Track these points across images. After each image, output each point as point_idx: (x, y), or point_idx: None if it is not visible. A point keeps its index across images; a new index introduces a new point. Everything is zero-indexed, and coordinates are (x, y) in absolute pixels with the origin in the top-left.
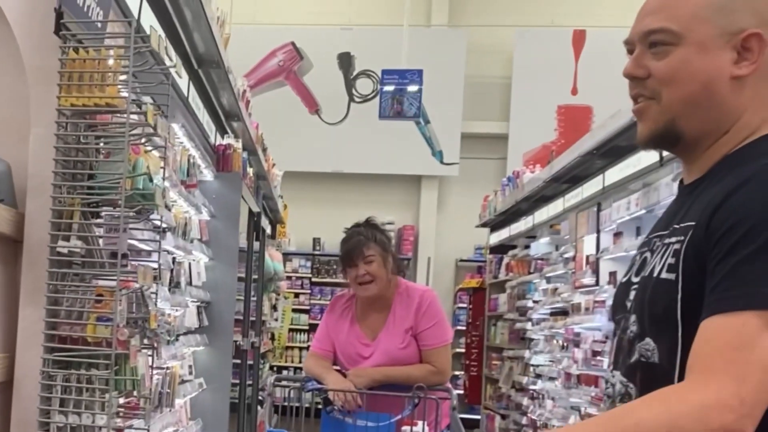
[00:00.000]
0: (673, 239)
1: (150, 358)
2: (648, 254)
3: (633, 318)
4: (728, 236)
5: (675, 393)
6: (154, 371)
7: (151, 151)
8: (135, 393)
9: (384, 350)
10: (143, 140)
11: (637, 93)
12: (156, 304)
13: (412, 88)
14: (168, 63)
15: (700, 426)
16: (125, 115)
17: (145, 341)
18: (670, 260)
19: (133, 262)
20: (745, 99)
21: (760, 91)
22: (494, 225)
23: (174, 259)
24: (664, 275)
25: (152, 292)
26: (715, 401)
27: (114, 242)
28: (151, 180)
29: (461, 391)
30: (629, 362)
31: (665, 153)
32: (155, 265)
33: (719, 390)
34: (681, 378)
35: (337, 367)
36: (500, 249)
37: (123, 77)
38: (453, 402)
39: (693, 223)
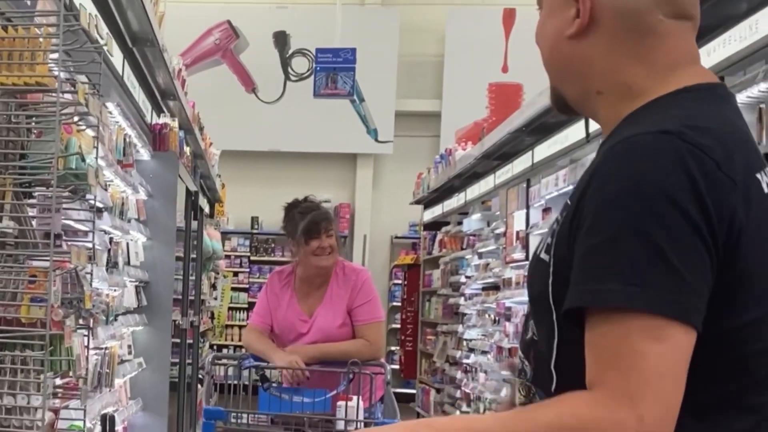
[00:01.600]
0: (559, 216)
1: (85, 339)
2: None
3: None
4: (584, 219)
5: (570, 411)
6: (92, 351)
7: (83, 130)
8: (71, 373)
9: (320, 327)
10: (76, 119)
11: None
12: (91, 284)
13: (346, 66)
14: (100, 41)
15: None
16: (56, 94)
17: (81, 321)
18: (548, 240)
19: (68, 243)
20: (595, 57)
21: (621, 45)
22: (428, 202)
23: (111, 239)
24: (542, 255)
25: (87, 273)
26: (611, 423)
27: (47, 222)
28: (83, 160)
29: (397, 366)
30: (525, 339)
31: (591, 129)
32: (90, 245)
33: (615, 409)
34: (558, 365)
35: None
36: (434, 226)
37: (54, 56)
38: (387, 376)
39: (570, 202)
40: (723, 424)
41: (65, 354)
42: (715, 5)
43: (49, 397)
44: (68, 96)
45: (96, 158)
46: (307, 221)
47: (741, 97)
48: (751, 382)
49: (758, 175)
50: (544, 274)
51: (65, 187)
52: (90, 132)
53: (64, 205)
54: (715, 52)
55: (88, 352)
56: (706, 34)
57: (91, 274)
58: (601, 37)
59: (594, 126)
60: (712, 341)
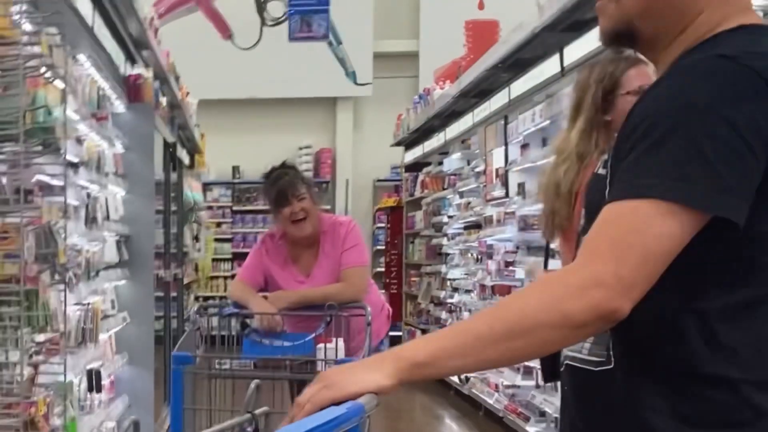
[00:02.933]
0: (617, 139)
1: (62, 294)
2: None
3: (583, 212)
4: (634, 131)
5: (557, 276)
6: (75, 307)
7: (50, 83)
8: (48, 328)
9: (319, 285)
10: (44, 72)
11: None
12: (65, 239)
13: (320, 8)
14: None
15: (578, 304)
16: (19, 47)
17: (56, 276)
18: (606, 156)
19: (41, 198)
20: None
21: None
22: (408, 143)
23: (89, 193)
24: (600, 171)
25: (60, 228)
26: (591, 280)
27: (17, 178)
28: (50, 113)
29: None
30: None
31: (566, 63)
32: (63, 200)
33: (597, 269)
34: None
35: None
36: (415, 167)
37: (15, 8)
38: (368, 318)
39: (627, 121)
40: (758, 325)
41: (42, 309)
42: None
43: (27, 352)
44: (34, 48)
45: (64, 111)
46: (275, 191)
47: None
48: None
49: None
50: (602, 186)
51: (35, 141)
52: (59, 84)
53: (36, 161)
54: None
55: (65, 306)
56: None
57: (65, 229)
58: None
59: (569, 59)
60: (753, 244)
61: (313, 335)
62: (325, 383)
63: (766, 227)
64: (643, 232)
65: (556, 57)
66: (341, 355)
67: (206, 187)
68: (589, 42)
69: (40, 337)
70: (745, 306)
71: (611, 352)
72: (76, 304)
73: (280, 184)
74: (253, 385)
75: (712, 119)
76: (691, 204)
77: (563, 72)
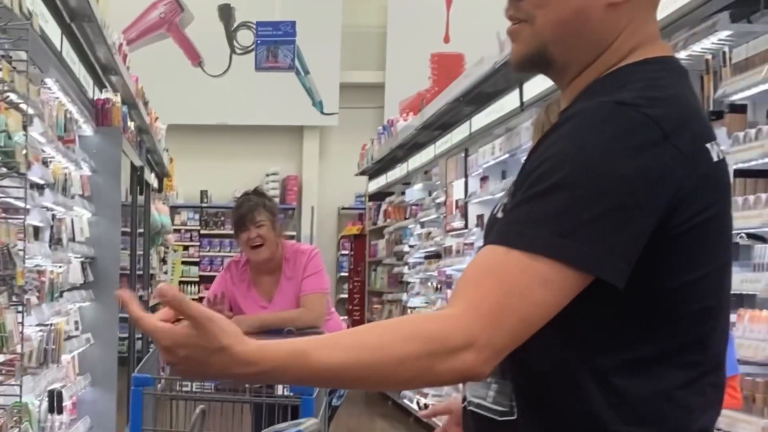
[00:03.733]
0: (517, 179)
1: (19, 315)
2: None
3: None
4: (528, 176)
5: (436, 326)
6: (37, 328)
7: (13, 107)
8: (4, 350)
9: (280, 310)
10: (5, 96)
11: (511, 14)
12: (24, 261)
13: (286, 39)
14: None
15: (448, 365)
16: None
17: (14, 298)
18: (505, 200)
19: (3, 220)
20: (619, 27)
21: (635, 18)
22: (372, 173)
23: (54, 215)
24: (498, 214)
25: (19, 250)
26: (466, 341)
27: None
28: (10, 137)
29: None
30: None
31: (525, 98)
32: (28, 222)
33: (474, 331)
34: None
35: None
36: (379, 196)
37: None
38: None
39: (524, 166)
40: (664, 379)
41: None
42: None
43: None
44: None
45: (26, 135)
46: (235, 216)
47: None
48: (690, 340)
49: (708, 145)
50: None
51: None
52: (22, 108)
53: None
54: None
55: (22, 327)
56: None
57: (24, 251)
58: (632, 8)
59: (528, 94)
60: (652, 298)
61: None
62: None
63: (667, 283)
64: (525, 297)
65: (516, 92)
66: None
67: (174, 210)
68: (548, 79)
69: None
70: (644, 362)
71: (514, 403)
72: (39, 324)
73: (241, 210)
74: (198, 410)
75: (604, 172)
76: (574, 263)
77: (522, 107)
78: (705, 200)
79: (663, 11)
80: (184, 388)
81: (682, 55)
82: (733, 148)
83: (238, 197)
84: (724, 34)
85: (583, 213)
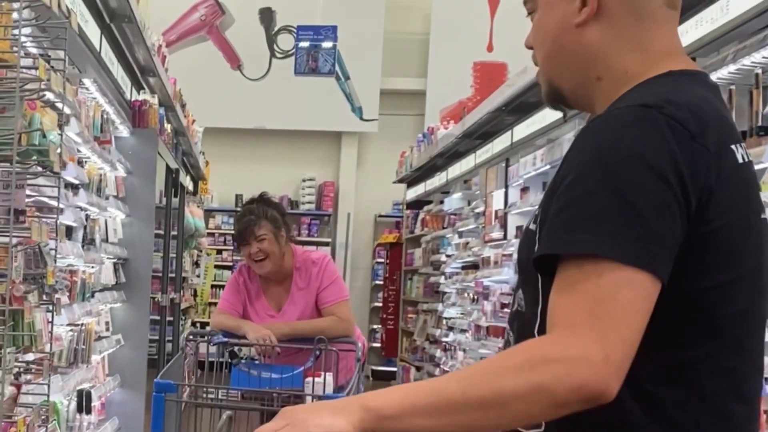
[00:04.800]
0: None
1: (49, 314)
2: None
3: (515, 268)
4: (562, 183)
5: (538, 347)
6: (67, 328)
7: (47, 106)
8: (33, 348)
9: (289, 321)
10: (40, 95)
11: (534, 63)
12: (55, 261)
13: (327, 44)
14: (65, 17)
15: (563, 382)
16: (16, 70)
17: (44, 297)
18: (537, 211)
19: (33, 219)
20: (603, 42)
21: (620, 31)
22: (411, 181)
23: (87, 215)
24: (531, 226)
25: (51, 249)
26: (577, 357)
27: (8, 199)
28: (44, 136)
29: (378, 344)
30: (512, 311)
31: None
32: (60, 221)
33: (583, 345)
34: (541, 328)
35: None
36: (417, 204)
37: (16, 31)
38: (358, 354)
39: (555, 175)
40: (696, 385)
41: (27, 329)
42: None
43: (11, 371)
44: (34, 72)
45: (61, 134)
46: (237, 230)
47: (712, 78)
48: (722, 344)
49: (733, 147)
50: (531, 242)
51: (29, 163)
52: (58, 107)
53: (33, 181)
54: (687, 33)
55: (51, 327)
56: (679, 15)
57: (56, 250)
58: (606, 23)
59: None
60: (684, 301)
61: (303, 368)
62: (288, 421)
63: (701, 284)
64: (613, 299)
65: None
66: (329, 390)
67: (208, 213)
68: None
69: (29, 357)
70: (679, 367)
71: None
72: (69, 324)
73: (242, 224)
74: (225, 416)
75: (639, 169)
76: (637, 264)
77: (565, 117)
78: (732, 199)
79: (711, 24)
80: (210, 395)
81: (731, 68)
82: None
83: (243, 206)
84: None
85: (629, 213)
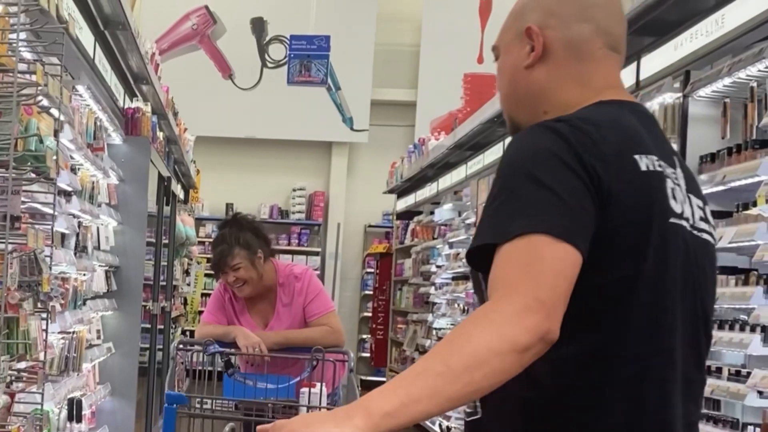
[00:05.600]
0: None
1: (44, 322)
2: None
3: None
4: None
5: (488, 309)
6: (59, 336)
7: (44, 111)
8: (27, 356)
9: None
10: (38, 100)
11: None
12: (50, 268)
13: (320, 54)
14: (63, 22)
15: (518, 328)
16: (13, 75)
17: (39, 305)
18: None
19: (28, 226)
20: (549, 80)
21: (563, 70)
22: (401, 191)
23: (80, 223)
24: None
25: (46, 256)
26: (520, 306)
27: (5, 204)
28: (41, 141)
29: (367, 354)
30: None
31: None
32: (50, 228)
33: (520, 298)
34: None
35: None
36: (407, 215)
37: (13, 35)
38: (350, 364)
39: None
40: (610, 370)
41: (22, 337)
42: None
43: (6, 379)
44: (32, 77)
45: (57, 140)
46: (213, 257)
47: (706, 91)
48: (632, 333)
49: (636, 156)
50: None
51: (25, 169)
52: (54, 113)
53: (26, 188)
54: (682, 46)
55: (46, 335)
56: (674, 28)
57: (51, 258)
58: (551, 64)
59: None
60: (594, 291)
61: (299, 378)
62: None
63: (603, 276)
64: (541, 260)
65: None
66: (324, 401)
67: (199, 222)
68: None
69: (21, 365)
70: (593, 353)
71: (478, 403)
72: (61, 332)
73: (216, 254)
74: (228, 428)
75: (550, 160)
76: (554, 234)
77: None
78: (632, 202)
79: (707, 38)
80: (204, 405)
81: (726, 81)
82: None
83: (217, 231)
84: None
85: (548, 195)
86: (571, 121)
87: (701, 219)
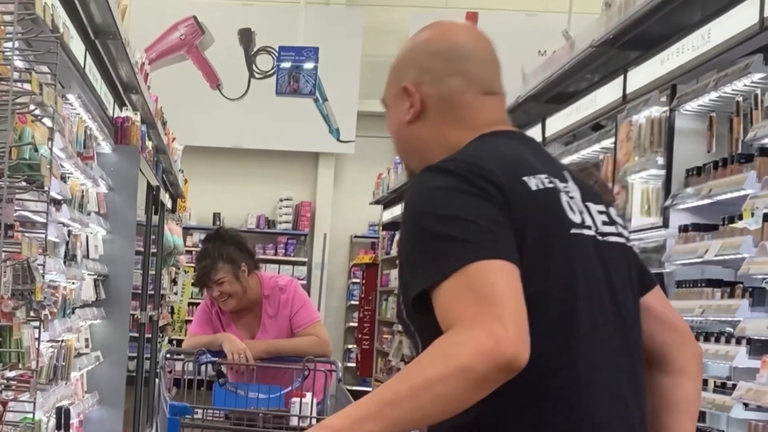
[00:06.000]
0: None
1: (36, 331)
2: None
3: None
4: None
5: (444, 339)
6: (48, 344)
7: (39, 120)
8: (20, 365)
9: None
10: (32, 108)
11: None
12: (43, 276)
13: (309, 65)
14: (56, 32)
15: (472, 356)
16: (8, 83)
17: (32, 314)
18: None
19: (21, 234)
20: (429, 133)
21: (440, 121)
22: (387, 202)
23: (70, 231)
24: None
25: (39, 264)
26: (482, 335)
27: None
28: (36, 150)
29: (353, 364)
30: (401, 353)
31: (548, 133)
32: (43, 237)
33: (482, 327)
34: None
35: None
36: (393, 226)
37: (8, 44)
38: (339, 374)
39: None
40: (540, 381)
41: (15, 346)
42: (670, 14)
43: None
44: (24, 85)
45: (51, 149)
46: (197, 272)
47: (693, 105)
48: (554, 344)
49: (525, 178)
50: (398, 297)
51: (19, 177)
52: (47, 122)
53: (19, 196)
54: (668, 61)
55: (38, 344)
56: (660, 42)
57: (44, 266)
58: (431, 118)
59: (550, 130)
60: None
61: (289, 389)
62: None
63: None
64: (486, 286)
65: (538, 127)
66: (314, 410)
67: (186, 231)
68: (570, 115)
69: (11, 374)
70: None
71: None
72: (50, 340)
73: (200, 269)
74: None
75: (453, 195)
76: (490, 257)
77: (545, 142)
78: (528, 222)
79: (693, 52)
80: (195, 416)
81: (712, 96)
82: (762, 192)
83: (200, 246)
84: (757, 76)
85: (468, 227)
86: (456, 159)
87: (605, 223)
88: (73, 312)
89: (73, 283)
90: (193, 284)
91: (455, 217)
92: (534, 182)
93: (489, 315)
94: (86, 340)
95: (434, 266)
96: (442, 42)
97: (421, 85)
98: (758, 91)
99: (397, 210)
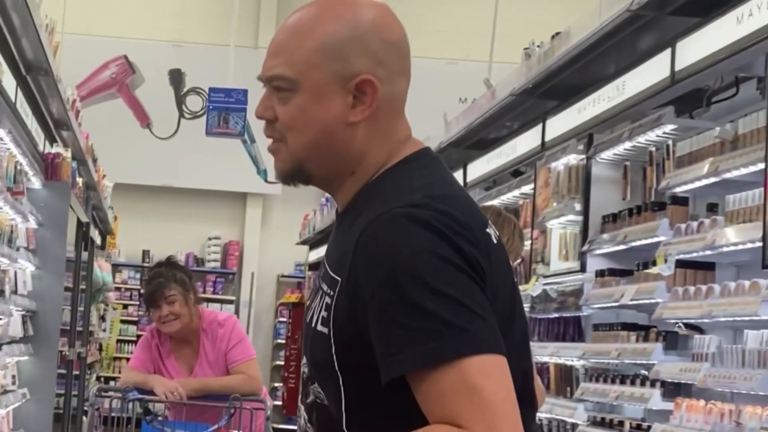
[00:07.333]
0: (325, 287)
1: None
2: (317, 289)
3: (304, 359)
4: (367, 299)
5: None
6: None
7: None
8: None
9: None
10: None
11: (268, 134)
12: None
13: (238, 107)
14: None
15: None
16: None
17: None
18: (323, 313)
19: None
20: (366, 140)
21: (380, 127)
22: (313, 243)
23: None
24: (319, 327)
25: None
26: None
27: None
28: None
29: (279, 402)
30: (307, 402)
31: (469, 179)
32: None
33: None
34: (350, 425)
35: None
36: (318, 266)
37: None
38: (267, 412)
39: (338, 279)
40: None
41: None
42: (586, 66)
43: None
44: None
45: None
46: (146, 293)
47: (608, 154)
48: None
49: (488, 230)
50: (326, 345)
51: None
52: None
53: None
54: (585, 110)
55: None
56: (577, 92)
57: None
58: (372, 122)
59: (471, 175)
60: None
61: (216, 426)
62: None
63: None
64: (484, 387)
65: (459, 172)
66: None
67: (115, 268)
68: (491, 161)
69: None
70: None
71: None
72: None
73: (151, 286)
74: None
75: (440, 266)
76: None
77: (467, 187)
78: (499, 277)
79: (608, 103)
80: None
81: (626, 145)
82: (674, 239)
83: (150, 270)
84: (669, 128)
85: (456, 308)
86: (429, 205)
87: None
88: (0, 348)
89: (0, 319)
90: (123, 320)
91: (448, 296)
92: (493, 234)
93: (485, 424)
94: (13, 377)
95: (423, 347)
96: (394, 31)
97: (378, 81)
98: (670, 142)
99: (322, 251)
